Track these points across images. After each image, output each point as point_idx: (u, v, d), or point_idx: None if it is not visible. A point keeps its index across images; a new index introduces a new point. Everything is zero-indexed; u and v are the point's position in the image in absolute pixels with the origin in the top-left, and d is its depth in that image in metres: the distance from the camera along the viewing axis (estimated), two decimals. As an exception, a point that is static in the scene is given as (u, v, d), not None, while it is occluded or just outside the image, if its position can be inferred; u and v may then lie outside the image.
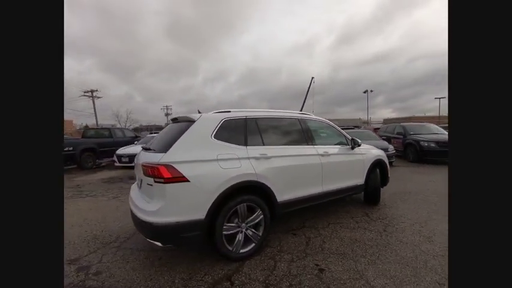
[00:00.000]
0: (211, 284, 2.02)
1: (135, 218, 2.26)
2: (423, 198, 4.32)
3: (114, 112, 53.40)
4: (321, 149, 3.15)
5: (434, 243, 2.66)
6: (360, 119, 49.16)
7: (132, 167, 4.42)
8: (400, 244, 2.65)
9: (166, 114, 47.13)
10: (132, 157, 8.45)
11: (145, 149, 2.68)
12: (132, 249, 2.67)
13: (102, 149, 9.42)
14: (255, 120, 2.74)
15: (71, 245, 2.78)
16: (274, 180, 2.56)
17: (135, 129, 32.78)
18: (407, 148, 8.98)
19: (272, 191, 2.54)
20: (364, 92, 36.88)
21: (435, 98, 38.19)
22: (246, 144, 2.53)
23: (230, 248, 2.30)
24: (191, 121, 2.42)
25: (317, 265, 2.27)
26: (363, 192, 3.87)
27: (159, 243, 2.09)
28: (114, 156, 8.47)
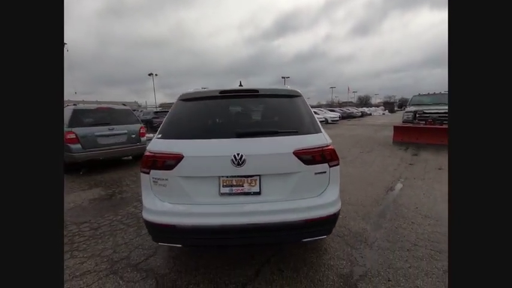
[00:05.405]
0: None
1: (289, 226, 1.74)
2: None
3: None
4: None
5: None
6: (135, 102, 50.53)
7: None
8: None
9: None
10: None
11: (238, 134, 1.88)
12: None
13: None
14: None
15: None
16: None
17: None
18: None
19: None
20: (149, 75, 39.10)
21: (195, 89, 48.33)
22: None
23: None
24: (296, 95, 2.18)
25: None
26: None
27: (325, 236, 1.98)
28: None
